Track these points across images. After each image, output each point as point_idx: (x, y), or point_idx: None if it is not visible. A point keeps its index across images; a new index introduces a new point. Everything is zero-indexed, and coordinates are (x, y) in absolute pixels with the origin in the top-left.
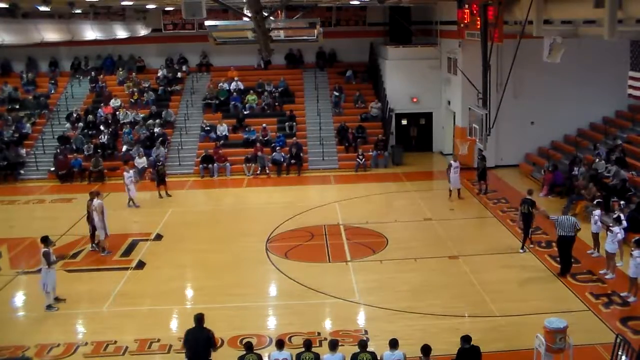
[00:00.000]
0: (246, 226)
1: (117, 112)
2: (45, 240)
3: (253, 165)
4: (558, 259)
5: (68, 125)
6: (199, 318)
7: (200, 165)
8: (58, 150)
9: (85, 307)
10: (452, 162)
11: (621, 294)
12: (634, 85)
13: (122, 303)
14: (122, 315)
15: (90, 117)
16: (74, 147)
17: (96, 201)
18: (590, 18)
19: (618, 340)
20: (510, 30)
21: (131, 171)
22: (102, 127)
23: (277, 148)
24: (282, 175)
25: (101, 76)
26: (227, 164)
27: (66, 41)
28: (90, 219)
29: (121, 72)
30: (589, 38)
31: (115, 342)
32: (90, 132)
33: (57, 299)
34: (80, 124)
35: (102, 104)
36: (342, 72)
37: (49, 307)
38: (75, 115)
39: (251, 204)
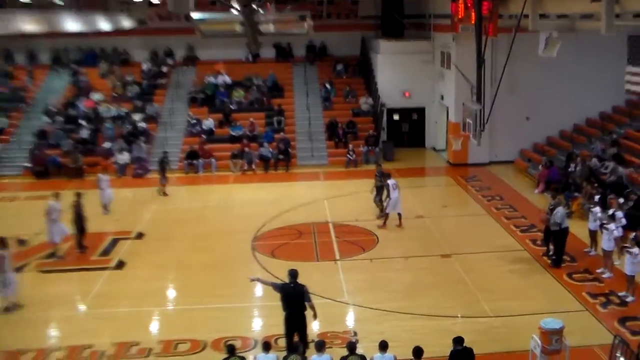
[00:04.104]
0: (232, 224)
1: (98, 106)
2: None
3: (239, 161)
4: (553, 255)
5: (46, 119)
6: (294, 274)
7: (185, 161)
8: (34, 145)
9: (59, 310)
10: (389, 180)
11: (619, 294)
12: (631, 80)
13: (100, 305)
14: (99, 318)
15: (70, 110)
16: (52, 142)
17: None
18: (587, 12)
19: (616, 341)
20: (506, 24)
21: (107, 174)
22: (82, 122)
23: (265, 144)
24: (270, 172)
25: (82, 69)
26: (213, 159)
27: (46, 33)
28: (75, 219)
29: (103, 66)
30: (585, 32)
31: (92, 346)
32: (69, 127)
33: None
34: (60, 118)
35: (81, 97)
36: (332, 66)
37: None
38: (53, 109)
39: (237, 201)
